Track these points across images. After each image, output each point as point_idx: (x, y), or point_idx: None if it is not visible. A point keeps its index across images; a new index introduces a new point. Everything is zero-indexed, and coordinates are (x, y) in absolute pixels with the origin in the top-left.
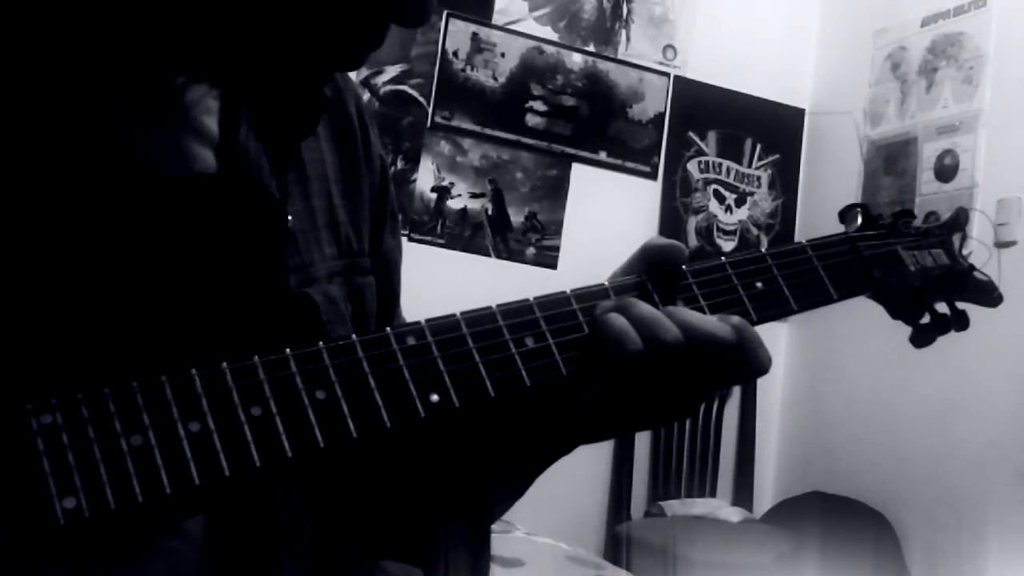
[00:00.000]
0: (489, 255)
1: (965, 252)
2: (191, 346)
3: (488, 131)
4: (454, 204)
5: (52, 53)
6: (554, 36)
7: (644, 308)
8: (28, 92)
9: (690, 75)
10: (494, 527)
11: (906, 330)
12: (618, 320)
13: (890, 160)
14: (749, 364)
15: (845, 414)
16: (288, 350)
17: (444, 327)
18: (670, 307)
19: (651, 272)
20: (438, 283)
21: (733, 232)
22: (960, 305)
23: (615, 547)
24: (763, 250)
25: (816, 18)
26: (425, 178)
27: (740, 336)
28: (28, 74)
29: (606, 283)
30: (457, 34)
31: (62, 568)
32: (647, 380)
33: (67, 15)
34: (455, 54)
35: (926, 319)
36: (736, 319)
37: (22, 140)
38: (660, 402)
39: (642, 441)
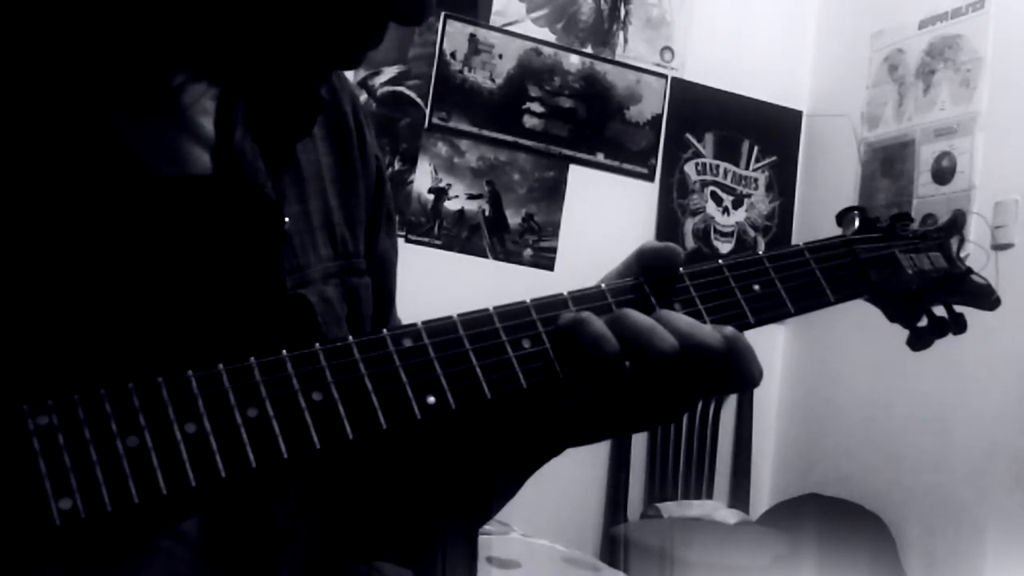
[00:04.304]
0: (486, 256)
1: (962, 255)
2: (187, 348)
3: (485, 132)
4: (451, 205)
5: (50, 53)
6: (552, 38)
7: (638, 318)
8: (25, 92)
9: (687, 77)
10: (491, 528)
11: (903, 333)
12: (594, 322)
13: (887, 162)
14: (739, 375)
15: (842, 416)
16: (284, 351)
17: (441, 329)
18: (664, 312)
19: (648, 274)
20: (435, 284)
21: (730, 234)
22: (958, 308)
23: (612, 549)
24: (760, 252)
25: (813, 20)
26: (422, 179)
27: (731, 346)
28: (25, 74)
29: (603, 286)
30: (455, 35)
31: (56, 570)
32: (637, 386)
33: (65, 14)
34: (453, 55)
35: (923, 322)
36: (729, 329)
37: (18, 141)
38: (646, 407)
39: (639, 443)
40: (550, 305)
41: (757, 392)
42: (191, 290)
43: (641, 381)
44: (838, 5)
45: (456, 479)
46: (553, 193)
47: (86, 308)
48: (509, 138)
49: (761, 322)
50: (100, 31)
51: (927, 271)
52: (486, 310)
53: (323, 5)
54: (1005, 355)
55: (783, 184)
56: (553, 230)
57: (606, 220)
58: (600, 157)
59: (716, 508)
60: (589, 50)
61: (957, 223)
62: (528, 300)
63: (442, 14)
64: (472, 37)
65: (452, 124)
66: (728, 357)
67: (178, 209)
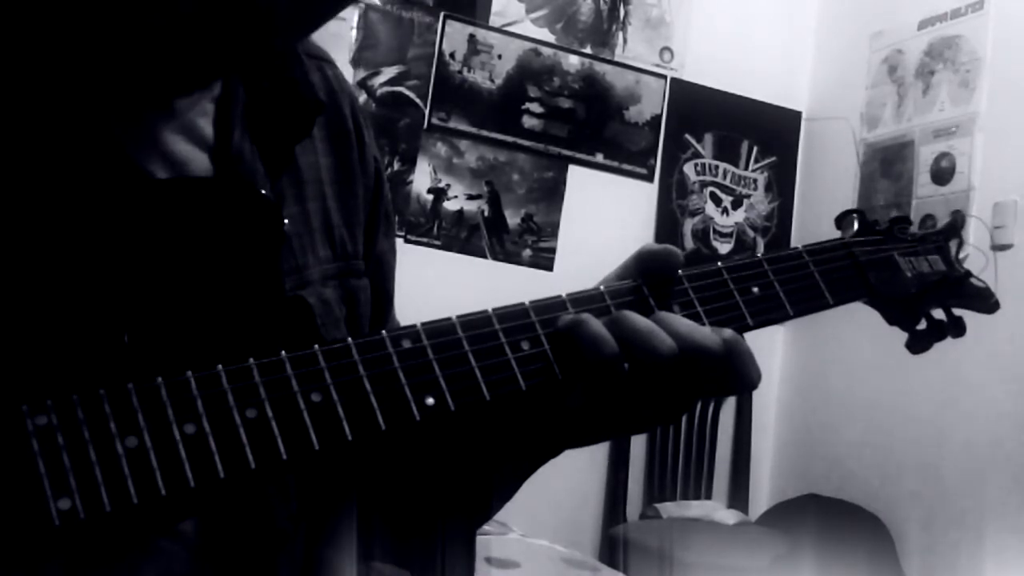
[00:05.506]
0: (485, 257)
1: (961, 257)
2: (187, 349)
3: (485, 133)
4: (450, 206)
5: (48, 57)
6: (551, 38)
7: (637, 320)
8: (23, 94)
9: (687, 77)
10: (490, 528)
11: (903, 335)
12: (593, 324)
13: (886, 163)
14: (738, 378)
15: (841, 417)
16: (284, 352)
17: (440, 330)
18: (663, 314)
19: (647, 277)
20: (434, 285)
21: (729, 235)
22: (956, 311)
23: (611, 549)
24: (759, 255)
25: (813, 21)
26: (421, 180)
27: (730, 349)
28: (23, 76)
29: (602, 288)
30: (454, 36)
31: (55, 570)
32: (636, 388)
33: (63, 18)
34: (452, 56)
35: (922, 325)
36: (728, 332)
37: (16, 145)
38: (645, 409)
39: (638, 443)
40: (549, 307)
41: (756, 393)
42: (190, 292)
43: (640, 383)
44: (838, 5)
45: (455, 480)
46: (552, 193)
47: (85, 309)
48: (508, 138)
49: (760, 324)
50: (98, 33)
51: (926, 274)
52: (485, 312)
53: None
54: (1004, 356)
55: (782, 185)
56: (552, 231)
57: (605, 221)
58: (599, 157)
59: (715, 508)
60: (588, 50)
61: (956, 226)
62: (527, 302)
63: (441, 14)
64: (471, 37)
65: (451, 124)
66: (727, 360)
67: (177, 211)
